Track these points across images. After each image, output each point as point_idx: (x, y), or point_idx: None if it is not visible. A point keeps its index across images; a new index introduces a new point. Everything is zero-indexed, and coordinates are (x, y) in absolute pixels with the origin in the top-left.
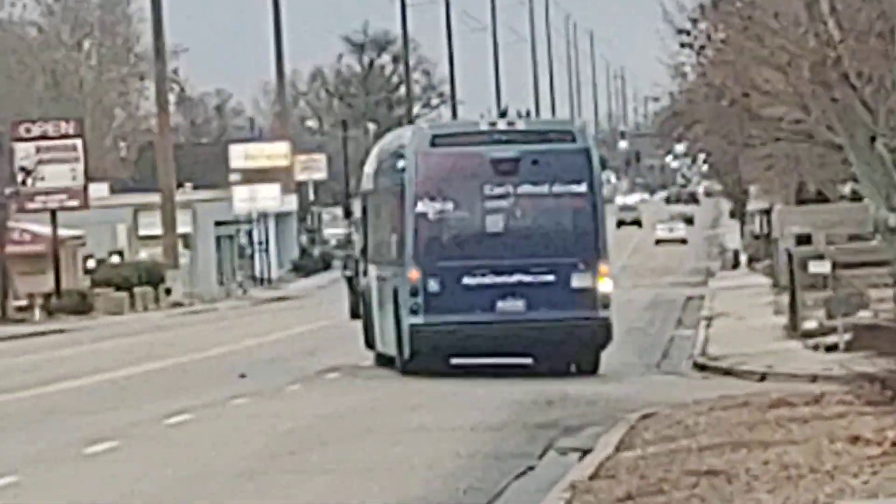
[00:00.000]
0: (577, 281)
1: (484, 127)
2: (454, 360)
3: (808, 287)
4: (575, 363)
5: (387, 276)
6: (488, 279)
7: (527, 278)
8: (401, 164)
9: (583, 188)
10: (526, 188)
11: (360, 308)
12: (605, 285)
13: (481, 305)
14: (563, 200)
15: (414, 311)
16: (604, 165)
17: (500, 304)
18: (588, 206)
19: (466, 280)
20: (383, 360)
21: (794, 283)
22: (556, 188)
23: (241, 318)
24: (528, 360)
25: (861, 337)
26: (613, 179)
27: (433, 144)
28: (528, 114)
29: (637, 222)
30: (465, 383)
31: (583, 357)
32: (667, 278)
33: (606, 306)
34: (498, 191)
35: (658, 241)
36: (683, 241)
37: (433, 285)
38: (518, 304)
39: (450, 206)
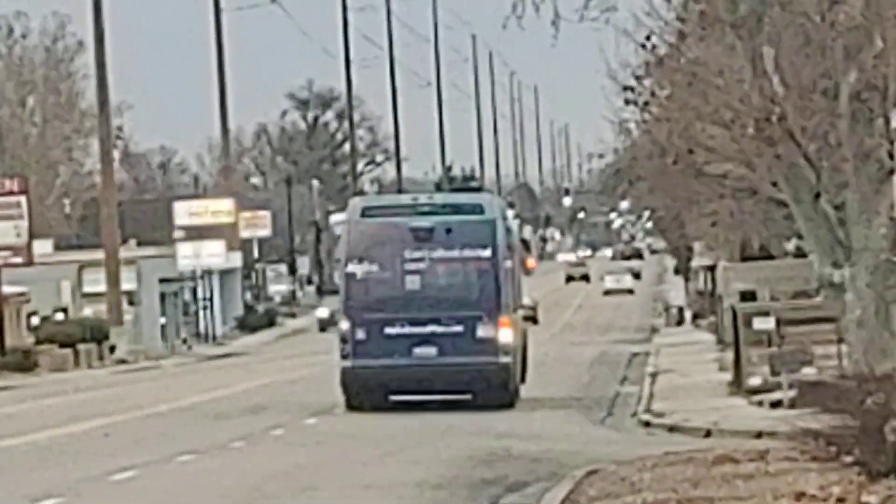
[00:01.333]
0: (481, 331)
1: (407, 201)
2: (393, 398)
3: (753, 344)
4: (482, 400)
5: None
6: (406, 329)
7: (439, 329)
8: (338, 231)
9: (488, 253)
10: (439, 253)
11: None
12: (505, 335)
13: (400, 351)
14: (471, 263)
15: (345, 356)
16: (524, 223)
17: (416, 351)
18: (492, 269)
19: (388, 330)
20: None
21: (739, 339)
22: (465, 253)
23: (186, 374)
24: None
25: (806, 393)
26: (558, 236)
27: (363, 215)
28: (472, 171)
29: (585, 277)
30: (411, 440)
31: (488, 394)
32: (612, 335)
33: (507, 353)
34: (416, 255)
35: (606, 292)
36: (630, 292)
37: (360, 334)
38: (431, 351)
39: (375, 267)
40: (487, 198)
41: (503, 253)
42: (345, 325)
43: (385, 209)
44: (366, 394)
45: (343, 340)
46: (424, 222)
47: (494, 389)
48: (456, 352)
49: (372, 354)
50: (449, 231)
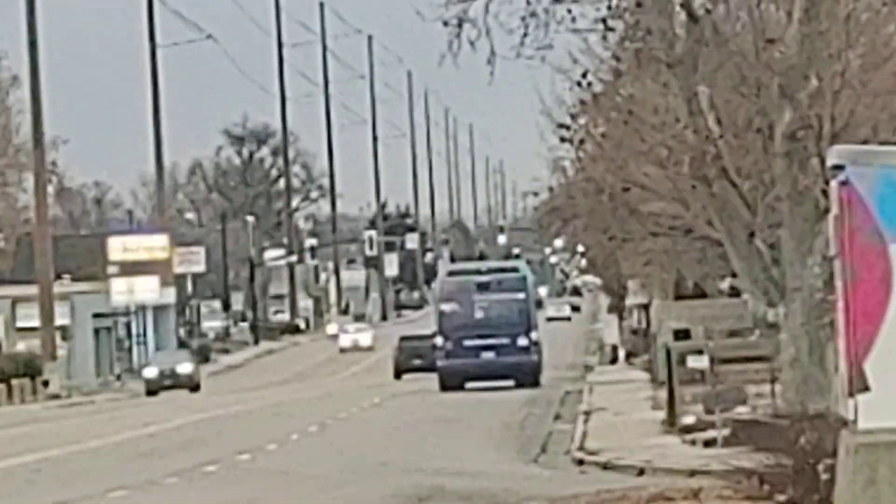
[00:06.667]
0: (519, 342)
1: (474, 267)
2: (468, 385)
3: (686, 382)
4: (522, 383)
5: None
6: (476, 342)
7: (495, 341)
8: (434, 285)
9: (522, 295)
10: (494, 296)
11: None
12: (533, 344)
13: (473, 355)
14: (512, 302)
15: (440, 359)
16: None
17: (482, 354)
18: (524, 305)
19: (466, 343)
20: None
21: (672, 377)
22: (508, 296)
23: (119, 410)
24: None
25: (739, 432)
26: None
27: (449, 275)
28: (406, 208)
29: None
30: (344, 477)
31: (525, 379)
32: (546, 372)
33: (535, 354)
34: (480, 297)
35: (549, 319)
36: (568, 319)
37: (449, 346)
38: (491, 354)
39: (457, 306)
40: (521, 263)
41: (530, 295)
42: (439, 341)
43: (462, 272)
44: (452, 380)
45: (438, 349)
46: (485, 278)
47: (528, 376)
48: (506, 354)
49: (456, 357)
50: (500, 283)
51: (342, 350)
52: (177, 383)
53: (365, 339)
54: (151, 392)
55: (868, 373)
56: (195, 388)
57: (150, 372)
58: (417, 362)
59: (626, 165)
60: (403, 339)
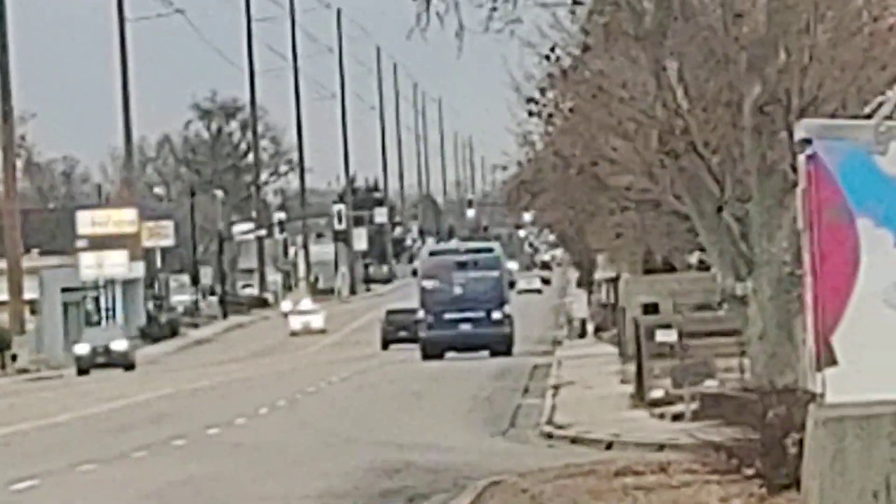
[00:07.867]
0: (494, 315)
1: (453, 246)
2: (448, 354)
3: (655, 356)
4: (496, 353)
5: None
6: (455, 315)
7: (472, 314)
8: (417, 263)
9: (496, 273)
10: (471, 273)
11: None
12: (506, 317)
13: (452, 327)
14: (487, 279)
15: (422, 330)
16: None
17: (460, 326)
18: (498, 281)
19: (446, 316)
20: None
21: (641, 352)
22: (484, 273)
23: (88, 384)
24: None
25: (707, 406)
26: None
27: (430, 255)
28: (375, 182)
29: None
30: (315, 451)
31: (498, 349)
32: (516, 346)
33: (508, 326)
34: (459, 275)
35: (519, 292)
36: (539, 292)
37: (430, 319)
38: (468, 326)
39: (437, 282)
40: (496, 244)
41: (504, 273)
42: (421, 314)
43: (442, 252)
44: (433, 350)
45: (420, 322)
46: (463, 258)
47: (501, 346)
48: (481, 327)
49: (436, 329)
50: (476, 262)
51: (293, 333)
52: (110, 361)
53: (317, 321)
54: (83, 371)
55: (836, 347)
56: (130, 366)
57: (82, 349)
58: (403, 334)
59: (594, 139)
60: (390, 312)
